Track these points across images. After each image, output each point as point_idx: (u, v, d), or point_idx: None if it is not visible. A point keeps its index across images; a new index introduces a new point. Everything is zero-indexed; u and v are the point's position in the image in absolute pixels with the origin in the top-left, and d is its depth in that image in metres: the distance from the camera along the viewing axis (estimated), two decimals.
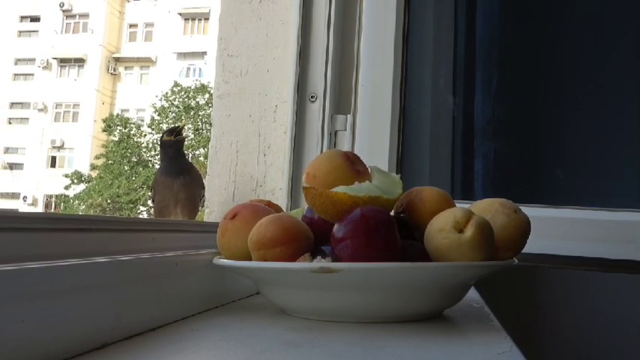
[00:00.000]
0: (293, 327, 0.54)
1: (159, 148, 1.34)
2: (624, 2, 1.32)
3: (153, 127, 18.69)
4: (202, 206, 1.27)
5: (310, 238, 0.59)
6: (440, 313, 0.61)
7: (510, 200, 0.63)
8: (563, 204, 1.12)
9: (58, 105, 24.45)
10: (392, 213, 0.62)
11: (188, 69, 24.40)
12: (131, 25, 25.79)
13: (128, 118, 19.83)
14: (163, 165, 1.30)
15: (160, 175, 1.28)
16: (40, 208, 22.13)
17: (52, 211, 20.67)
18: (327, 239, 0.56)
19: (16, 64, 25.00)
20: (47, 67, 24.53)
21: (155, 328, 0.50)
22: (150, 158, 18.41)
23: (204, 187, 1.27)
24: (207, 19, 24.53)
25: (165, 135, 1.28)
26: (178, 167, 1.26)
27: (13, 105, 24.76)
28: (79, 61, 24.78)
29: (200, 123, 18.11)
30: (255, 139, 1.21)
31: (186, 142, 1.34)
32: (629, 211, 1.07)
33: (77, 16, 25.06)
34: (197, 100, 18.69)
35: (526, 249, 0.62)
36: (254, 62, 1.22)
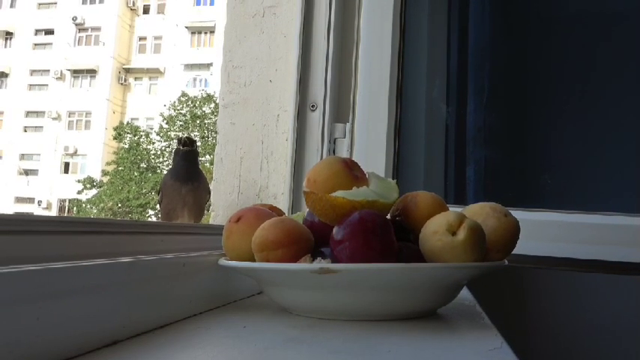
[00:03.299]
0: (294, 325, 0.54)
1: (173, 155, 1.31)
2: (607, 12, 1.32)
3: (161, 134, 18.71)
4: (208, 210, 1.26)
5: (311, 240, 0.59)
6: (434, 312, 0.61)
7: (500, 204, 0.63)
8: (550, 208, 1.12)
9: (71, 114, 24.46)
10: (388, 216, 0.62)
11: (194, 80, 24.43)
12: (141, 38, 25.83)
13: (138, 127, 19.85)
14: (173, 169, 1.27)
15: (169, 179, 1.25)
16: (53, 212, 22.12)
17: (66, 214, 20.68)
18: (326, 241, 0.56)
19: (31, 74, 25.02)
20: (61, 77, 24.55)
21: (163, 325, 0.50)
22: (158, 164, 18.42)
23: (210, 192, 1.26)
24: (212, 32, 24.57)
25: (179, 145, 1.26)
26: (188, 173, 1.24)
27: (28, 114, 24.77)
28: (91, 72, 24.81)
29: (206, 131, 18.13)
30: (258, 146, 1.21)
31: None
32: (614, 215, 1.07)
33: (89, 30, 25.09)
34: (203, 109, 18.71)
35: (516, 250, 0.62)
36: (257, 73, 1.23)
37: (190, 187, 1.22)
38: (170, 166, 1.41)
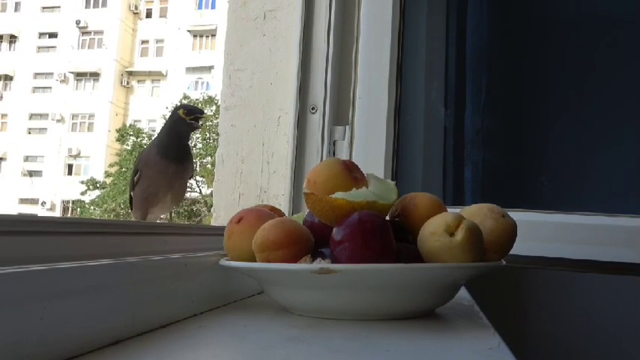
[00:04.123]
0: (294, 324, 0.54)
1: (168, 123, 1.08)
2: (605, 15, 1.32)
3: None
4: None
5: (311, 240, 0.59)
6: (432, 311, 0.61)
7: (498, 205, 0.63)
8: (547, 209, 1.12)
9: (74, 116, 24.48)
10: (387, 217, 0.62)
11: (196, 82, 24.43)
12: (143, 41, 25.85)
13: (140, 129, 19.84)
14: (161, 143, 1.06)
15: (155, 154, 1.05)
16: (57, 213, 22.13)
17: (69, 215, 20.69)
18: (326, 242, 0.56)
19: (35, 77, 25.04)
20: (64, 80, 24.57)
21: (165, 325, 0.50)
22: None
23: (193, 172, 1.11)
24: (214, 35, 24.58)
25: (182, 112, 1.07)
26: (179, 150, 1.06)
27: (32, 116, 24.79)
28: (94, 75, 24.83)
29: (208, 133, 18.13)
30: (259, 148, 1.21)
31: (194, 151, 1.18)
32: (609, 216, 1.07)
33: (92, 33, 25.11)
34: (205, 111, 18.69)
35: (513, 251, 0.62)
36: (258, 76, 1.23)
37: (180, 168, 1.04)
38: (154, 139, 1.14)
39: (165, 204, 1.06)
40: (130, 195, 1.10)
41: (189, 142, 1.12)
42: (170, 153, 1.04)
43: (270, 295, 0.62)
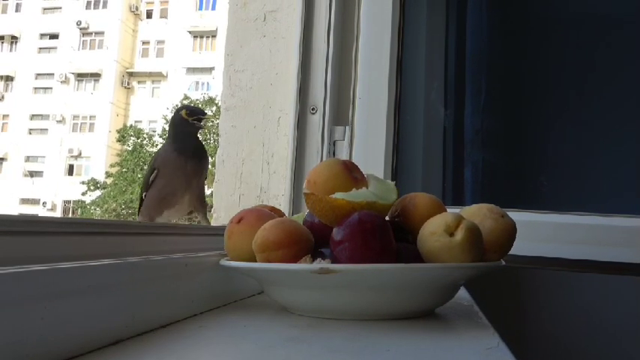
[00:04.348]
0: (294, 324, 0.54)
1: (172, 126, 1.07)
2: (604, 15, 1.32)
3: (164, 137, 18.69)
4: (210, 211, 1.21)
5: (311, 241, 0.59)
6: (432, 311, 0.61)
7: (497, 206, 0.63)
8: (546, 209, 1.12)
9: (75, 117, 24.49)
10: (387, 218, 0.62)
11: (197, 83, 24.44)
12: (144, 42, 25.86)
13: (141, 129, 19.84)
14: (176, 141, 1.04)
15: (171, 152, 1.01)
16: (58, 213, 22.12)
17: (70, 215, 20.68)
18: (326, 242, 0.56)
19: (36, 78, 25.05)
20: (65, 81, 24.58)
21: (166, 325, 0.50)
22: None
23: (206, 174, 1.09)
24: (214, 36, 24.60)
25: (185, 112, 1.05)
26: (194, 147, 1.03)
27: (33, 117, 24.79)
28: (95, 76, 24.83)
29: (208, 134, 18.13)
30: (259, 149, 1.21)
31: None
32: (608, 216, 1.07)
33: (93, 34, 25.12)
34: (206, 112, 18.68)
35: (512, 251, 0.62)
36: (258, 77, 1.23)
37: (198, 165, 1.01)
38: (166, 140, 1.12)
39: (182, 205, 1.02)
40: (142, 197, 1.05)
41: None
42: (187, 150, 1.02)
43: (270, 295, 0.62)
